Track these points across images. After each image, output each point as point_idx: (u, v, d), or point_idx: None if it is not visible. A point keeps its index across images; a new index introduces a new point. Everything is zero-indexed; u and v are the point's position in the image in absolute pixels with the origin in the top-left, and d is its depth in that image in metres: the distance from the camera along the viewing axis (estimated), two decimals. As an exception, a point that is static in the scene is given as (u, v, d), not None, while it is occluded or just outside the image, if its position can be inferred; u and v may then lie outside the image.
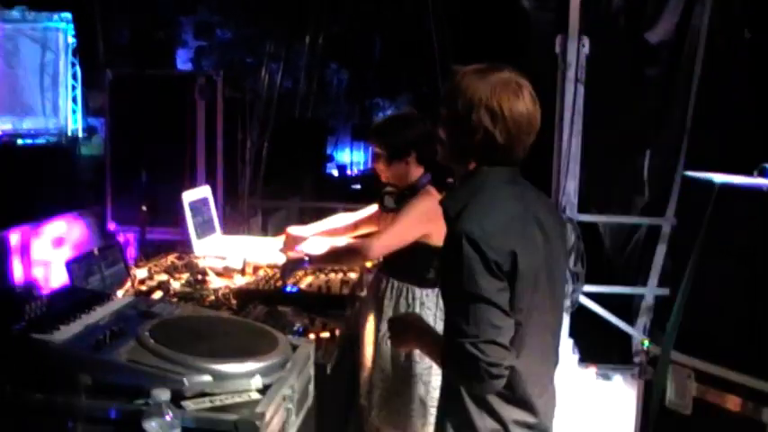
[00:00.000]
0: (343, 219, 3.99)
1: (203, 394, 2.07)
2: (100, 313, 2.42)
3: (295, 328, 2.97)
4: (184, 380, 2.04)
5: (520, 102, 2.24)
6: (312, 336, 2.93)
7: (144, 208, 5.49)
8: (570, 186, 5.68)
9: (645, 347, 4.05)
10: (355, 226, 3.89)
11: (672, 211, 5.74)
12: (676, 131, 5.70)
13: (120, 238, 5.63)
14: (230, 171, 6.09)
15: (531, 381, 2.24)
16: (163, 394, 1.93)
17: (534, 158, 2.56)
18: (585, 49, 5.64)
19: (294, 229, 3.91)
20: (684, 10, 5.60)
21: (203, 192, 4.35)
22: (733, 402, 3.74)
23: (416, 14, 9.44)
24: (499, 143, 2.24)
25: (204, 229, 4.20)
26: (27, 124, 10.95)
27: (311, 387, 2.51)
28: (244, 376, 2.12)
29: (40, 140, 10.93)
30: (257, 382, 2.13)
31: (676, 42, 5.66)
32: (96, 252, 3.18)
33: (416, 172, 3.55)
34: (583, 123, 5.71)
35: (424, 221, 3.40)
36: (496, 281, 2.11)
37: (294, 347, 2.44)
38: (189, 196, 4.11)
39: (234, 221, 5.89)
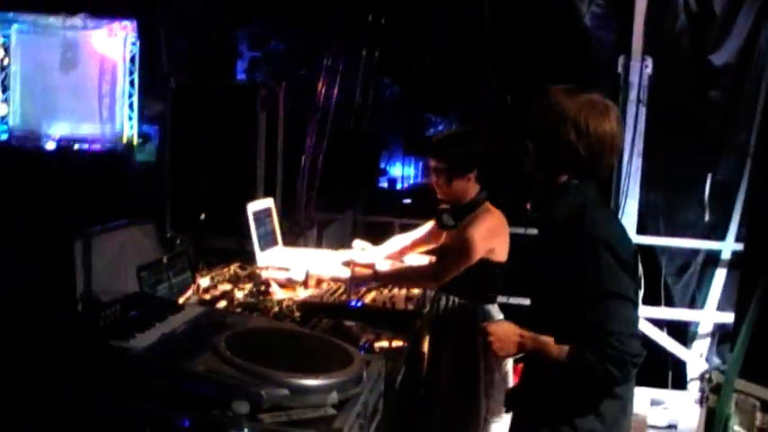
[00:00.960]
0: (401, 240, 4.02)
1: (280, 408, 2.07)
2: (174, 322, 2.44)
3: (361, 343, 2.96)
4: (262, 392, 2.04)
5: (606, 121, 2.41)
6: (379, 351, 2.92)
7: (202, 217, 5.52)
8: (630, 207, 5.64)
9: (708, 375, 4.00)
10: (413, 245, 3.91)
11: (732, 236, 5.66)
12: (739, 155, 5.64)
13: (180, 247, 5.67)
14: (288, 183, 6.11)
15: None
16: (243, 407, 1.93)
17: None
18: (648, 70, 5.61)
19: (359, 259, 3.88)
20: (751, 32, 5.54)
21: (266, 203, 4.37)
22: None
23: (471, 31, 9.44)
24: (583, 157, 2.40)
25: (267, 240, 4.21)
26: (84, 130, 11.10)
27: (381, 403, 2.50)
28: (321, 391, 2.11)
29: (97, 146, 11.08)
30: (333, 397, 2.12)
31: (741, 65, 5.59)
32: (165, 260, 3.21)
33: (474, 189, 3.55)
34: (644, 145, 5.67)
35: (489, 238, 3.41)
36: (629, 279, 2.36)
37: (367, 363, 2.43)
38: (253, 207, 4.13)
39: (291, 233, 5.90)
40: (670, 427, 4.81)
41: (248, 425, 1.93)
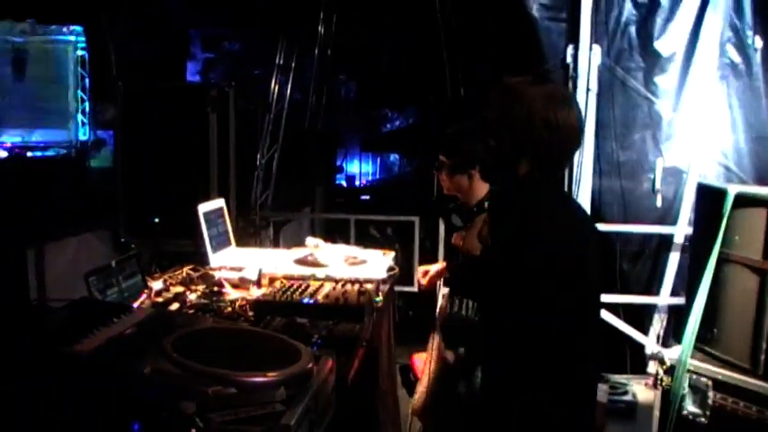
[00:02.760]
0: None
1: (228, 406, 2.07)
2: (121, 325, 2.43)
3: (314, 340, 2.97)
4: (209, 392, 2.04)
5: (571, 112, 2.39)
6: (331, 346, 2.93)
7: (156, 220, 5.50)
8: (583, 195, 5.69)
9: (661, 357, 4.05)
10: None
11: (685, 220, 5.73)
12: (687, 141, 5.71)
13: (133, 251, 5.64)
14: (241, 183, 6.10)
15: None
16: (189, 407, 1.93)
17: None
18: (597, 59, 5.66)
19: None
20: (697, 18, 5.62)
21: (218, 203, 4.36)
22: (751, 410, 3.74)
23: (424, 25, 9.47)
24: (552, 151, 2.38)
25: (219, 241, 4.20)
26: (36, 137, 11.00)
27: (333, 398, 2.51)
28: (268, 388, 2.12)
29: (50, 152, 10.97)
30: (281, 393, 2.13)
31: (688, 52, 5.67)
32: (114, 264, 3.19)
33: (482, 188, 3.52)
34: (595, 133, 5.73)
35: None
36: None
37: (316, 358, 2.44)
38: (204, 208, 4.11)
39: (246, 233, 5.90)
40: (629, 410, 4.86)
41: (196, 425, 1.93)
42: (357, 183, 14.40)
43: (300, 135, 8.97)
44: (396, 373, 4.35)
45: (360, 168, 14.86)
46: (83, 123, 11.18)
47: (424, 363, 3.71)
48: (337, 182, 12.22)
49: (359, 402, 3.11)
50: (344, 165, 14.08)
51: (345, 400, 2.67)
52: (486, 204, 3.44)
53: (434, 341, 3.64)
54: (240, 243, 4.96)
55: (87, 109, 11.13)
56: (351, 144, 14.37)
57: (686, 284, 4.46)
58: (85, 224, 5.66)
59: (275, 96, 7.84)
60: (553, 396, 2.29)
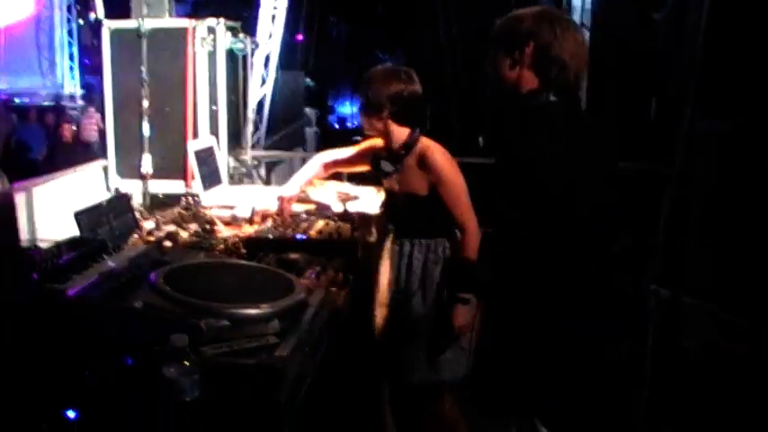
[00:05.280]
0: (324, 157, 3.93)
1: (221, 339, 2.04)
2: (112, 262, 2.39)
3: (307, 275, 2.94)
4: (202, 325, 2.01)
5: (578, 32, 2.49)
6: (326, 280, 2.90)
7: (149, 161, 5.43)
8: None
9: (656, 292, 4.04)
10: (336, 165, 3.85)
11: (679, 159, 5.69)
12: (684, 78, 5.63)
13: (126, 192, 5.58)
14: (233, 123, 6.01)
15: None
16: (181, 340, 1.90)
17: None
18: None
19: (285, 191, 3.84)
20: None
21: (208, 142, 4.30)
22: (743, 345, 3.73)
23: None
24: (560, 63, 2.40)
25: (211, 179, 4.16)
26: (23, 83, 10.83)
27: (326, 332, 2.49)
28: (261, 320, 2.09)
29: (38, 100, 10.82)
30: (275, 326, 2.10)
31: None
32: (105, 203, 3.14)
33: (401, 131, 3.45)
34: (589, 70, 5.66)
35: (456, 166, 3.35)
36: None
37: (310, 291, 2.41)
38: (194, 146, 4.06)
39: (237, 173, 5.84)
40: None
41: (188, 358, 1.90)
42: (348, 124, 14.29)
43: (292, 76, 8.86)
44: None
45: (351, 110, 14.73)
46: (71, 69, 11.02)
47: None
48: (329, 123, 12.13)
49: (353, 336, 3.09)
50: (335, 106, 13.96)
51: (340, 334, 2.65)
52: (411, 145, 3.40)
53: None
54: (232, 183, 4.91)
55: (75, 54, 10.96)
56: (342, 86, 14.23)
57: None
58: (78, 166, 5.58)
59: (266, 37, 7.72)
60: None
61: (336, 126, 13.56)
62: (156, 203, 4.64)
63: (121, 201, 3.28)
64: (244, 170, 5.82)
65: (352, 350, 3.06)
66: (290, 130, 8.24)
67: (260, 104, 7.53)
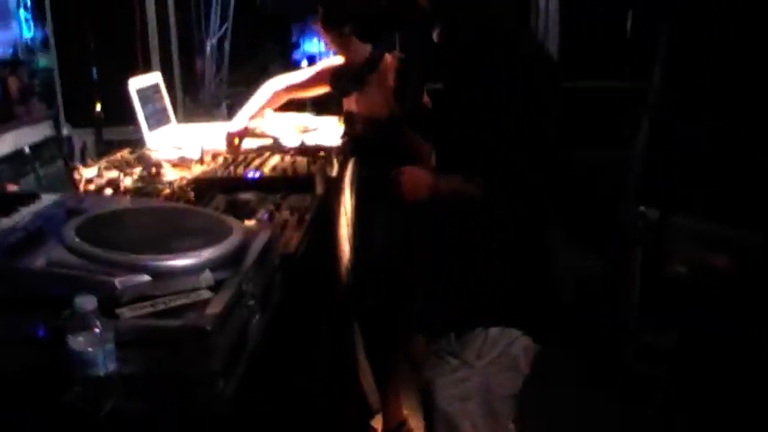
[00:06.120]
0: (276, 84, 3.55)
1: (141, 299, 1.66)
2: (19, 216, 1.99)
3: (259, 216, 2.57)
4: (116, 282, 1.63)
5: None
6: (281, 221, 2.52)
7: (98, 107, 5.00)
8: (551, 50, 5.24)
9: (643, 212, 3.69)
10: (289, 90, 3.46)
11: (658, 76, 5.29)
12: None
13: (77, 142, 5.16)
14: (189, 60, 5.58)
15: None
16: (87, 302, 1.52)
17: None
18: None
19: (233, 125, 3.44)
20: None
21: (153, 78, 3.87)
22: (725, 260, 3.43)
23: None
24: None
25: (157, 119, 3.74)
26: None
27: (278, 279, 2.11)
28: (190, 272, 1.70)
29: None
30: (207, 278, 1.71)
31: None
32: (27, 150, 2.72)
33: (362, 48, 3.12)
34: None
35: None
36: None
37: (254, 234, 2.02)
38: (136, 84, 3.64)
39: (194, 112, 5.42)
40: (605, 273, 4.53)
41: (101, 322, 1.52)
42: (317, 60, 13.71)
43: (251, 14, 8.34)
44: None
45: (319, 48, 14.16)
46: (26, 20, 10.42)
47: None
48: (295, 60, 11.59)
49: (313, 282, 2.72)
50: (302, 42, 13.38)
51: (295, 281, 2.28)
52: (375, 62, 3.08)
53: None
54: (188, 120, 4.52)
55: (29, 3, 10.34)
56: (309, 19, 13.60)
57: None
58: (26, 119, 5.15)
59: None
60: None
61: (304, 65, 13.01)
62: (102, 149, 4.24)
63: (50, 146, 2.86)
64: (201, 109, 5.39)
65: (312, 297, 2.70)
66: (253, 67, 7.76)
67: (220, 43, 7.08)
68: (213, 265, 1.74)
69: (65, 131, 5.18)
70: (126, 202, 2.13)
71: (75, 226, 1.82)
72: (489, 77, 2.09)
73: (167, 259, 1.69)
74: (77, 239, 1.75)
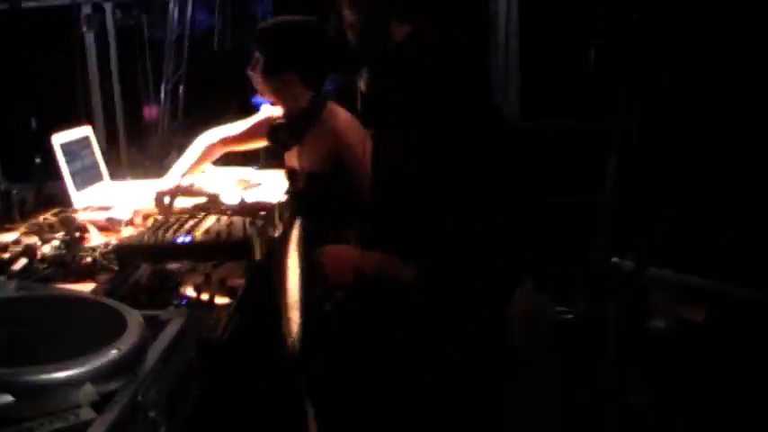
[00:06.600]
0: (211, 137, 3.24)
1: (7, 421, 1.31)
2: None
3: (186, 290, 2.22)
4: (-31, 406, 1.28)
5: None
6: (205, 298, 2.17)
7: (38, 160, 4.64)
8: (511, 91, 4.97)
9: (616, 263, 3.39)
10: (225, 143, 3.15)
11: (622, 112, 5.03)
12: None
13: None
14: (132, 107, 5.24)
15: None
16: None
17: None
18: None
19: (163, 183, 3.11)
20: None
21: (82, 132, 3.53)
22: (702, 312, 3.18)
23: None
24: None
25: (86, 176, 3.40)
26: None
27: (194, 374, 1.75)
28: (66, 387, 1.35)
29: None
30: (89, 392, 1.36)
31: None
32: None
33: (303, 95, 2.82)
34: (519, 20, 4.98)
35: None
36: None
37: (160, 323, 1.67)
38: (60, 138, 3.30)
39: (140, 165, 5.07)
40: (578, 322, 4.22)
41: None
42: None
43: (208, 57, 8.04)
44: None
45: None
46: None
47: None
48: (255, 103, 11.34)
49: (244, 371, 2.36)
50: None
51: (218, 371, 1.94)
52: (316, 112, 2.79)
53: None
54: (138, 176, 4.19)
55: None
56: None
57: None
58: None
59: (174, 19, 6.90)
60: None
61: (264, 108, 12.70)
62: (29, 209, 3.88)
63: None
64: (147, 162, 5.03)
65: (243, 383, 2.34)
66: (210, 112, 7.43)
67: (175, 90, 6.75)
68: (99, 375, 1.39)
69: (1, 185, 4.83)
70: (9, 288, 1.76)
71: (-65, 328, 1.47)
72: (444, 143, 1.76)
73: (36, 372, 1.34)
74: (-68, 347, 1.39)
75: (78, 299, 1.72)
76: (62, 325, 1.55)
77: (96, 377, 1.38)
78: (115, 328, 1.51)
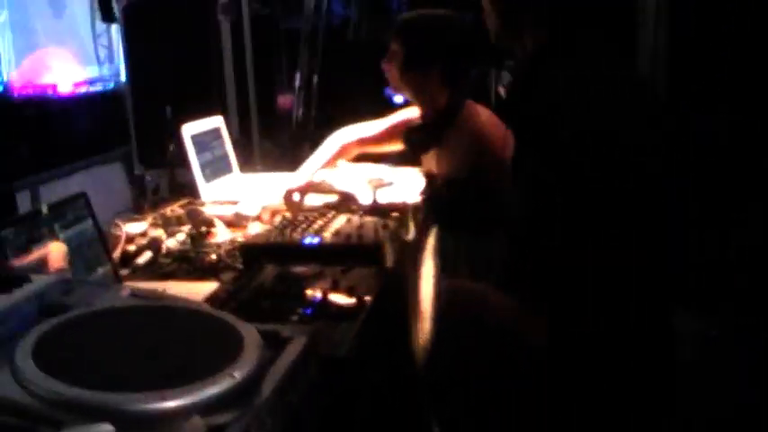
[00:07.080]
0: (346, 136, 3.06)
1: (103, 455, 1.14)
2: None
3: (310, 297, 2.02)
4: (59, 438, 1.11)
5: None
6: (335, 309, 1.97)
7: (171, 147, 4.60)
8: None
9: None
10: (361, 143, 2.95)
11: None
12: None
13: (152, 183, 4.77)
14: (267, 101, 5.15)
15: None
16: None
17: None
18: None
19: (293, 180, 2.94)
20: None
21: (213, 122, 3.42)
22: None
23: None
24: None
25: (215, 168, 3.28)
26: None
27: (313, 403, 1.55)
28: (172, 419, 1.17)
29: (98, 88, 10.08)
30: (197, 426, 1.18)
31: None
32: (46, 210, 2.25)
33: (442, 92, 2.58)
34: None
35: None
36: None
37: (281, 342, 1.48)
38: (191, 129, 3.18)
39: (273, 156, 4.97)
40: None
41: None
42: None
43: (343, 48, 7.93)
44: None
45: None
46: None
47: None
48: (388, 95, 11.19)
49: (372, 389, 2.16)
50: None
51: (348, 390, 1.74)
52: (454, 112, 2.61)
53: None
54: (266, 168, 4.08)
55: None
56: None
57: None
58: (94, 157, 4.80)
59: (312, 9, 6.81)
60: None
61: (402, 100, 12.56)
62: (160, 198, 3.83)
63: (77, 203, 2.38)
64: (278, 152, 4.93)
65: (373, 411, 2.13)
66: (343, 104, 7.32)
67: (308, 81, 6.66)
68: (209, 407, 1.20)
69: (137, 171, 4.83)
70: (123, 296, 1.59)
71: (36, 340, 1.31)
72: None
73: (141, 400, 1.16)
74: (32, 362, 1.24)
75: (192, 312, 1.53)
76: (171, 343, 1.36)
77: (206, 409, 1.19)
78: (230, 349, 1.31)
